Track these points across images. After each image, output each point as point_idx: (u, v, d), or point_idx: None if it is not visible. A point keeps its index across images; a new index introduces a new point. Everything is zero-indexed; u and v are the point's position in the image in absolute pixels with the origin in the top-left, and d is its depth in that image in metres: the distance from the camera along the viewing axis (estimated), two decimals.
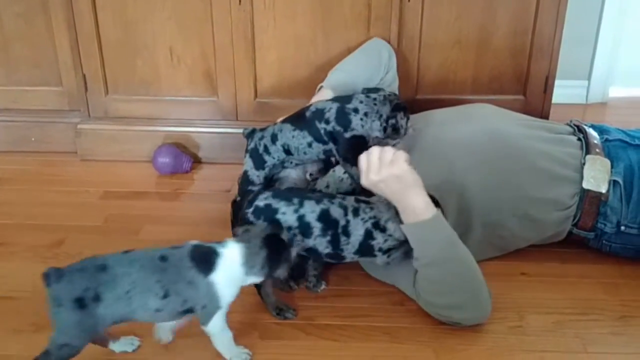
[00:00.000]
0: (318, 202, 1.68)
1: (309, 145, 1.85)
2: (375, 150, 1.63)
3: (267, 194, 1.71)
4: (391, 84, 2.33)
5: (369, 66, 2.24)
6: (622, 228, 1.90)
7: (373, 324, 1.74)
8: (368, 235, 1.67)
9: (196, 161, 2.55)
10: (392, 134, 1.81)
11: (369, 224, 1.67)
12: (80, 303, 1.40)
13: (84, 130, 2.57)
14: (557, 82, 2.46)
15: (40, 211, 2.25)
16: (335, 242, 1.68)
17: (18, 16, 2.48)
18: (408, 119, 1.84)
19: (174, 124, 2.54)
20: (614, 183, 1.89)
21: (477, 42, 2.39)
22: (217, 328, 1.53)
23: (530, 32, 2.37)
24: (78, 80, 2.52)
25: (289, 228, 1.65)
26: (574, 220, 1.91)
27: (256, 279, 1.55)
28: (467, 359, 1.63)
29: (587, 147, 1.95)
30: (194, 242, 1.53)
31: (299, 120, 1.89)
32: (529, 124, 2.04)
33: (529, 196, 1.88)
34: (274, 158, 1.91)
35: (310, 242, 1.68)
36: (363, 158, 1.65)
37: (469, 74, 2.45)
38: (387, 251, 1.68)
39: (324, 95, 2.08)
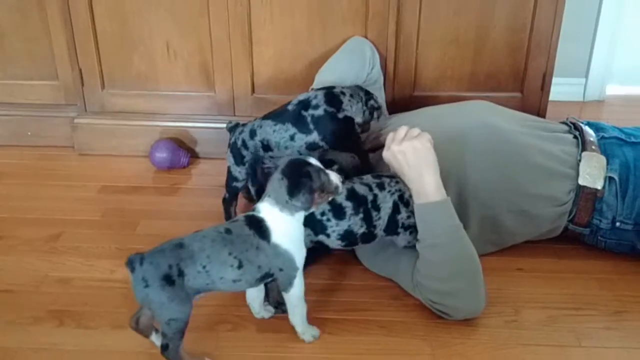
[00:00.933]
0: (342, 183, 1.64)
1: (291, 138, 1.87)
2: (403, 127, 1.71)
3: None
4: (377, 79, 2.34)
5: (355, 64, 2.26)
6: (618, 224, 1.91)
7: (369, 317, 1.75)
8: (395, 208, 1.69)
9: (193, 156, 2.55)
10: (370, 116, 1.90)
11: (395, 196, 1.69)
12: (168, 280, 1.45)
13: (80, 125, 2.57)
14: (554, 80, 2.47)
15: (38, 205, 2.25)
16: (368, 219, 1.67)
17: (13, 10, 2.48)
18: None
19: (171, 119, 2.54)
20: (609, 179, 1.90)
21: (474, 39, 2.40)
22: (298, 292, 1.59)
23: (527, 29, 2.37)
24: (74, 75, 2.51)
25: (322, 213, 1.64)
26: (569, 216, 1.92)
27: (304, 211, 1.56)
28: (463, 353, 1.64)
29: (583, 144, 1.95)
30: (245, 213, 1.58)
31: (281, 114, 1.92)
32: (525, 122, 2.05)
33: (525, 192, 1.88)
34: (251, 153, 1.92)
35: (345, 224, 1.66)
36: (390, 133, 1.72)
37: (466, 71, 2.46)
38: (408, 228, 1.70)
39: None
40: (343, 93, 1.92)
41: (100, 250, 2.01)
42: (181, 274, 1.46)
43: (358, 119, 1.92)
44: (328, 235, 1.66)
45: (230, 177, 2.01)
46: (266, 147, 1.91)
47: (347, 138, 1.88)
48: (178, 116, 2.53)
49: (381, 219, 1.69)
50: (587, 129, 2.01)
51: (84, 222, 2.16)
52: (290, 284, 1.57)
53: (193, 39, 2.42)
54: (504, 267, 1.93)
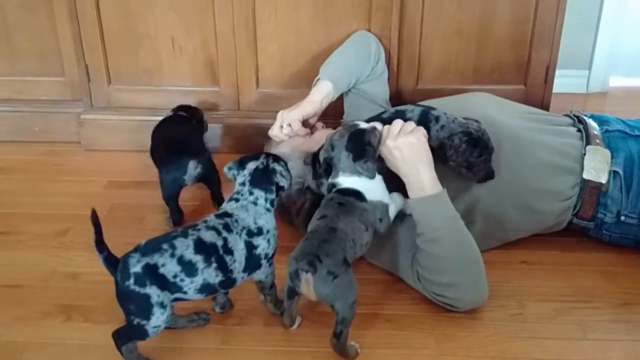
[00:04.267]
0: (185, 235, 1.55)
1: None
2: (398, 122, 1.72)
3: (135, 257, 1.52)
4: (382, 73, 2.35)
5: (360, 56, 2.27)
6: (622, 218, 1.91)
7: (375, 311, 1.76)
8: (249, 245, 1.59)
9: None
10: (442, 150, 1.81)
11: (244, 235, 1.59)
12: (346, 263, 1.54)
13: (87, 120, 2.58)
14: (557, 72, 2.47)
15: (45, 201, 2.27)
16: (223, 266, 1.55)
17: (20, 7, 2.49)
18: None
19: None
20: (614, 173, 1.90)
21: (477, 32, 2.40)
22: (394, 211, 1.74)
23: (531, 22, 2.38)
24: (81, 71, 2.52)
25: (175, 276, 1.50)
26: (574, 210, 1.93)
27: (371, 176, 1.67)
28: (468, 346, 1.65)
29: (587, 137, 1.95)
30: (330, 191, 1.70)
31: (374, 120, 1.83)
32: (529, 116, 2.05)
33: (530, 187, 1.89)
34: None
35: (199, 279, 1.53)
36: (385, 128, 1.72)
37: (470, 63, 2.46)
38: (268, 258, 1.64)
39: (323, 87, 2.10)
40: (437, 119, 1.79)
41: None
42: (346, 253, 1.56)
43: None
44: (185, 292, 1.53)
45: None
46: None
47: None
48: None
49: (236, 261, 1.57)
50: (590, 122, 2.01)
51: None
52: (389, 220, 1.72)
53: (198, 35, 2.43)
54: (508, 260, 1.93)
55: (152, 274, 1.49)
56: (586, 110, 2.12)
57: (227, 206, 1.63)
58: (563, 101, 2.64)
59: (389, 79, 2.39)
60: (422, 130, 1.71)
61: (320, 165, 1.76)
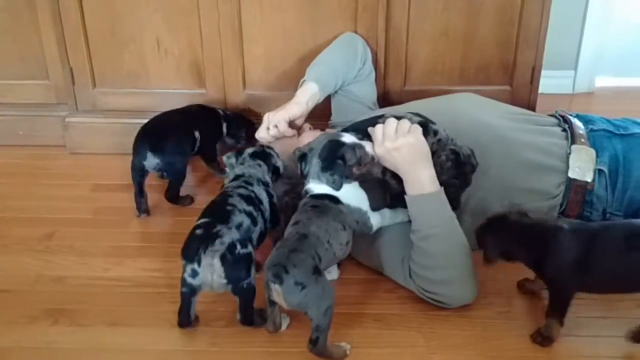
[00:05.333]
0: (230, 195, 1.74)
1: None
2: (392, 120, 1.71)
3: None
4: (369, 75, 2.36)
5: (346, 57, 2.27)
6: (608, 216, 1.93)
7: (364, 311, 1.76)
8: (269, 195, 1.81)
9: None
10: (440, 166, 1.80)
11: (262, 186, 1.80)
12: (317, 271, 1.54)
13: (72, 124, 2.56)
14: (543, 72, 2.48)
15: (31, 204, 2.25)
16: (263, 214, 1.76)
17: (3, 10, 2.47)
18: None
19: None
20: (599, 172, 1.91)
21: (463, 32, 2.41)
22: (378, 223, 1.76)
23: (516, 22, 2.39)
24: (65, 74, 2.51)
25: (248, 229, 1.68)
26: (560, 209, 1.93)
27: (333, 188, 1.68)
28: (456, 344, 1.65)
29: (572, 137, 1.97)
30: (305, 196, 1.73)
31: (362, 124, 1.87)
32: (514, 116, 2.06)
33: (516, 187, 1.89)
34: None
35: (258, 228, 1.72)
36: (379, 127, 1.72)
37: (456, 64, 2.47)
38: None
39: (308, 88, 2.10)
40: (435, 132, 1.79)
41: (94, 249, 2.01)
42: (320, 259, 1.57)
43: None
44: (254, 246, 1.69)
45: None
46: None
47: None
48: None
49: (267, 210, 1.77)
50: (576, 121, 2.02)
51: (77, 220, 2.16)
52: (369, 225, 1.73)
53: (183, 37, 2.43)
54: None
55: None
56: (572, 110, 2.12)
57: (235, 170, 1.84)
58: (549, 101, 2.66)
59: (376, 80, 2.40)
60: (419, 129, 1.71)
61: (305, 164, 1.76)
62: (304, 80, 2.13)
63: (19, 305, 1.79)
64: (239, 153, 1.89)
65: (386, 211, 1.81)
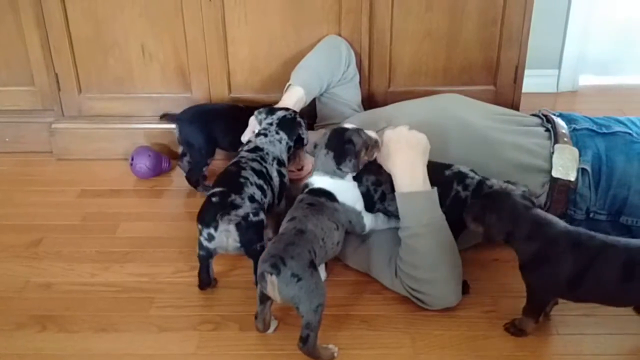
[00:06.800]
0: (243, 167, 1.83)
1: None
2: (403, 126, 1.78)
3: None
4: (353, 77, 2.37)
5: (331, 61, 2.28)
6: (592, 215, 1.94)
7: (350, 312, 1.77)
8: (280, 174, 1.91)
9: (174, 157, 2.53)
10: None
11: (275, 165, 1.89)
12: (313, 265, 1.57)
13: (58, 130, 2.56)
14: (527, 72, 2.49)
15: (17, 211, 2.25)
16: (273, 189, 1.87)
17: None
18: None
19: (149, 121, 2.53)
20: (582, 171, 1.93)
21: (447, 34, 2.42)
22: (371, 224, 1.80)
23: (499, 22, 2.40)
24: (50, 80, 2.50)
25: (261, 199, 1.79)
26: (544, 208, 1.94)
27: (352, 172, 1.75)
28: (443, 344, 1.66)
29: (555, 136, 1.98)
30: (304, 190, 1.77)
31: None
32: (498, 117, 2.07)
33: None
34: None
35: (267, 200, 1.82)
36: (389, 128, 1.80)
37: (440, 65, 2.48)
38: None
39: (294, 92, 2.12)
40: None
41: (81, 255, 2.01)
42: (315, 254, 1.60)
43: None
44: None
45: None
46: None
47: None
48: (156, 118, 2.51)
49: (275, 187, 1.87)
50: (559, 121, 2.04)
51: (64, 226, 2.16)
52: (362, 224, 1.77)
53: (168, 41, 2.43)
54: (480, 258, 1.95)
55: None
56: (556, 109, 2.14)
57: (257, 140, 1.92)
58: (534, 100, 2.67)
59: (360, 82, 2.41)
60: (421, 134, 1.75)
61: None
62: (290, 85, 2.14)
63: (6, 312, 1.79)
64: (270, 111, 1.97)
65: (380, 214, 1.84)
